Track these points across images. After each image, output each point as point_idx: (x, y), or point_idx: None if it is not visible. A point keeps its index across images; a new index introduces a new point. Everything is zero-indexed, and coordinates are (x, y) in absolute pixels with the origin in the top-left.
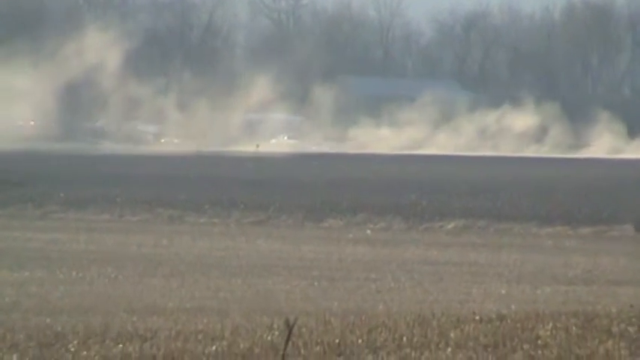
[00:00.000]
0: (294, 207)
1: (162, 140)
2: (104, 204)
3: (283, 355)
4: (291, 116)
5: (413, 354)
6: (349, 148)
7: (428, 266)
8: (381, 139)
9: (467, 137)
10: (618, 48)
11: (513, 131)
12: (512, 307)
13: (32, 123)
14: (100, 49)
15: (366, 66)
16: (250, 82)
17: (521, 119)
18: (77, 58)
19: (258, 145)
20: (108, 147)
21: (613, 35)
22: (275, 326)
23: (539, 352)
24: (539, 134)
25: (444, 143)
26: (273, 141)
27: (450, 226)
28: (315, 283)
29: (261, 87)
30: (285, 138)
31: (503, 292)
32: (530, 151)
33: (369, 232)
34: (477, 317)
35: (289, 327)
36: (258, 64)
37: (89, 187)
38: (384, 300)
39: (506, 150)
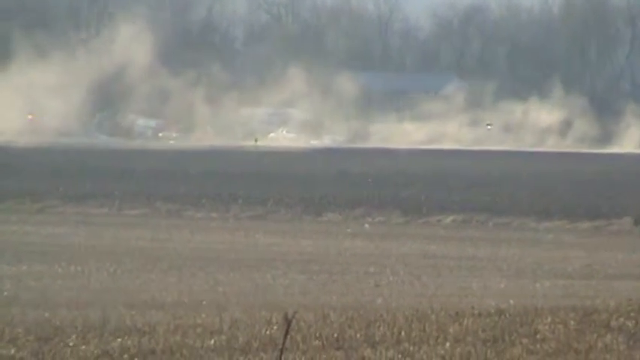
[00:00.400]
0: (293, 201)
1: (160, 134)
2: (103, 198)
3: (282, 350)
4: (290, 110)
5: (411, 348)
6: (357, 142)
7: (426, 260)
8: (403, 133)
9: (490, 131)
10: (617, 42)
11: (537, 125)
12: (511, 301)
13: (30, 117)
14: (123, 44)
15: (364, 61)
16: (261, 78)
17: (547, 112)
18: (98, 53)
19: (256, 140)
20: (107, 141)
21: (612, 29)
22: (274, 320)
23: (538, 346)
24: (564, 128)
25: (466, 137)
26: (272, 135)
27: (449, 220)
28: (314, 277)
29: (290, 80)
30: (284, 132)
31: (502, 286)
32: (549, 146)
33: (367, 225)
34: (476, 312)
35: (288, 321)
36: (258, 59)
37: (88, 181)
38: (382, 294)
39: (529, 143)
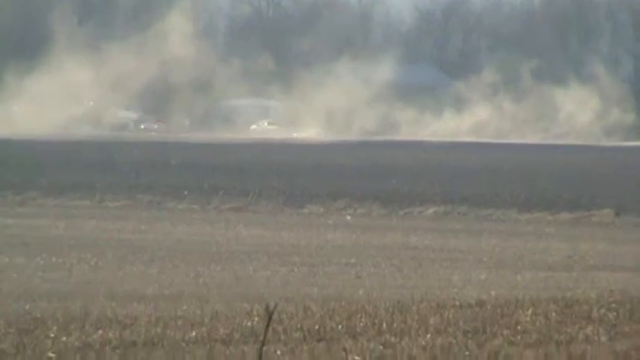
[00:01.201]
0: (274, 193)
1: (142, 126)
2: (84, 190)
3: (263, 341)
4: (270, 101)
5: (393, 339)
6: (385, 134)
7: (408, 252)
8: (424, 125)
9: (517, 123)
10: (598, 35)
11: (568, 115)
12: (492, 292)
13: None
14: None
15: (346, 52)
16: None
17: (578, 102)
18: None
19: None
20: (88, 132)
21: (593, 22)
22: (255, 312)
23: (519, 337)
24: (594, 119)
25: (490, 127)
26: (254, 127)
27: (430, 211)
28: (295, 269)
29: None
30: (266, 124)
31: (483, 277)
32: (574, 138)
33: (348, 217)
34: (457, 303)
35: (269, 313)
36: (243, 50)
37: (70, 173)
38: (364, 286)
39: (556, 134)
